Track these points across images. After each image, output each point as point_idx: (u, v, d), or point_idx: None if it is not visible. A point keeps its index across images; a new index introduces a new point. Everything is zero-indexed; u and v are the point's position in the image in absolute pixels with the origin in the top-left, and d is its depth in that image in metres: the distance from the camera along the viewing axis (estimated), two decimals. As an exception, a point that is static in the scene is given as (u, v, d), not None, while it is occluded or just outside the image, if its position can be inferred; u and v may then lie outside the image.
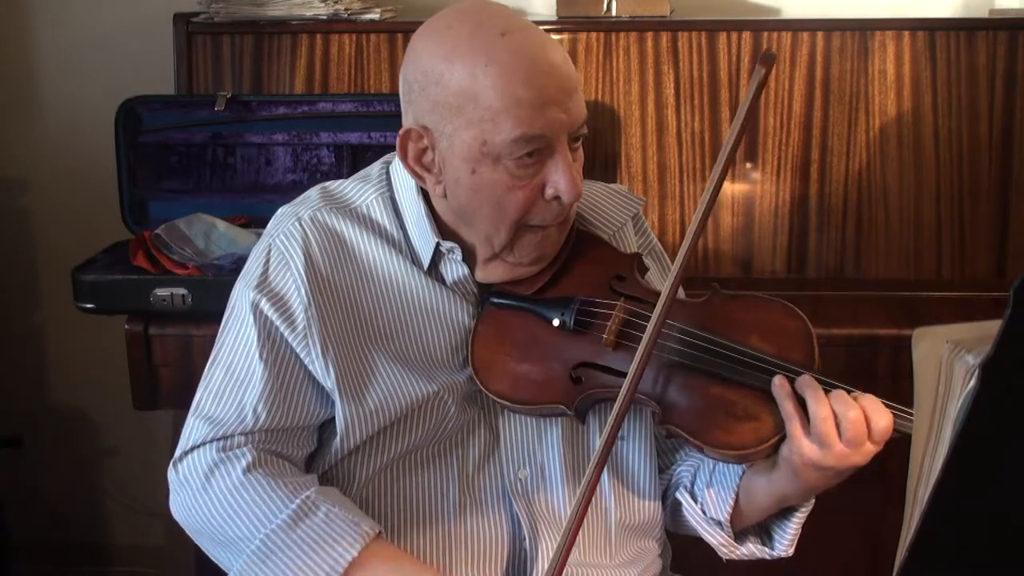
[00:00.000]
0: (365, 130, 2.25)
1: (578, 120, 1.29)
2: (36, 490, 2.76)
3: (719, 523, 1.38)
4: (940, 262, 2.20)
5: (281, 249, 1.34)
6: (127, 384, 2.07)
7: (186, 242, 2.13)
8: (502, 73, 1.23)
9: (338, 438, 1.33)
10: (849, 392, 1.23)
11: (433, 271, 1.37)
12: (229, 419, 1.31)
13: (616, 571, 1.39)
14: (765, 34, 2.22)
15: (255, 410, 1.31)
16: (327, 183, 1.43)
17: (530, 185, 1.28)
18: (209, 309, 1.97)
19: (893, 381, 1.99)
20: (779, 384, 1.24)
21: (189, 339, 2.04)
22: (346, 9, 2.29)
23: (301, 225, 1.35)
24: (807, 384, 1.23)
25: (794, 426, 1.22)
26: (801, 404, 1.23)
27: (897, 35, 2.19)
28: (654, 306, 1.29)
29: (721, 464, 1.38)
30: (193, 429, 1.33)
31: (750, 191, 2.22)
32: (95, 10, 2.56)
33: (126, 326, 2.05)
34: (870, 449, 1.21)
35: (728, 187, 2.22)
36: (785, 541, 1.37)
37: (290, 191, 2.21)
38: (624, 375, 1.30)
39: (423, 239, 1.36)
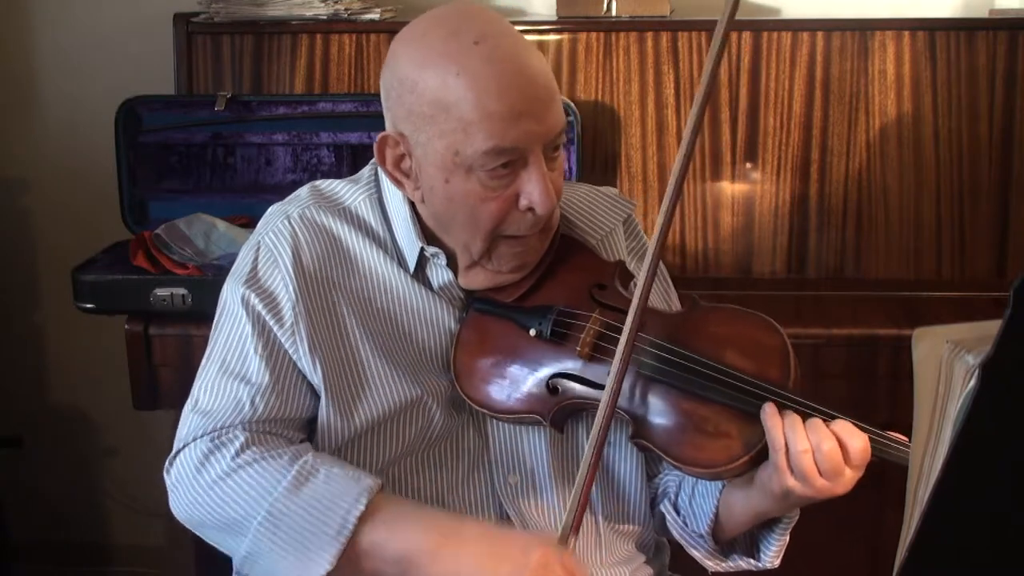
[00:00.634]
0: (365, 130, 2.25)
1: (554, 131, 1.26)
2: (36, 490, 2.76)
3: (702, 537, 1.38)
4: (940, 262, 2.20)
5: (270, 246, 1.34)
6: (127, 384, 2.07)
7: (186, 242, 2.13)
8: (473, 84, 1.21)
9: (320, 436, 1.32)
10: (826, 420, 1.21)
11: (419, 275, 1.37)
12: (225, 411, 1.30)
13: (608, 570, 1.39)
14: (765, 34, 2.22)
15: (252, 401, 1.29)
16: (318, 182, 1.43)
17: (503, 196, 1.26)
18: (209, 309, 1.95)
19: (893, 381, 1.99)
20: (769, 412, 1.21)
21: (189, 339, 2.04)
22: (346, 9, 2.29)
23: (290, 223, 1.35)
24: (787, 415, 1.21)
25: (780, 458, 1.20)
26: None
27: (897, 35, 2.19)
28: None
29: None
30: (189, 423, 1.32)
31: (750, 191, 2.22)
32: (95, 10, 2.56)
33: (126, 326, 2.05)
34: (851, 476, 1.20)
35: (728, 187, 2.23)
36: (771, 552, 1.37)
37: (290, 191, 2.19)
38: (599, 386, 1.29)
39: (408, 243, 1.35)
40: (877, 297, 2.15)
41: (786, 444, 1.20)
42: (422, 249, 1.34)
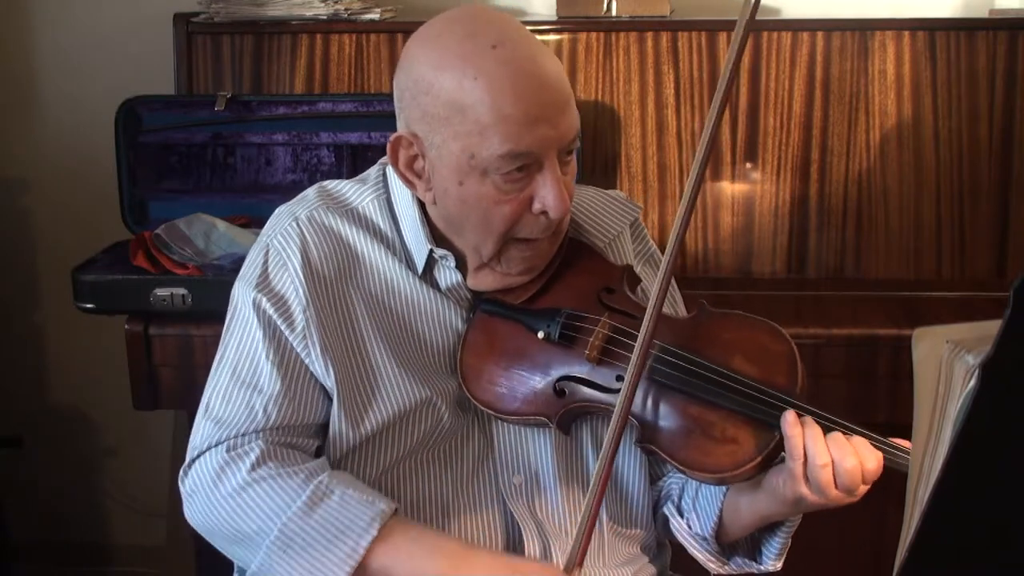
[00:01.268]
0: (365, 130, 2.25)
1: (568, 135, 1.27)
2: (36, 490, 2.76)
3: (704, 539, 1.38)
4: (940, 262, 2.20)
5: (279, 249, 1.34)
6: (127, 384, 2.07)
7: (186, 242, 2.13)
8: (490, 87, 1.21)
9: (331, 439, 1.32)
10: (846, 435, 1.21)
11: (427, 276, 1.37)
12: (238, 419, 1.30)
13: (611, 571, 1.39)
14: (765, 34, 2.22)
15: (265, 409, 1.29)
16: (325, 182, 1.43)
17: (517, 199, 1.27)
18: (209, 309, 1.98)
19: (893, 381, 1.99)
20: (790, 421, 1.22)
21: (189, 339, 2.04)
22: (346, 9, 2.29)
23: (298, 225, 1.35)
24: (807, 425, 1.21)
25: (797, 467, 1.20)
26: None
27: (897, 35, 2.19)
28: (639, 321, 1.28)
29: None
30: (202, 431, 1.32)
31: (750, 191, 2.22)
32: (95, 10, 2.56)
33: (126, 326, 2.05)
34: (863, 490, 1.21)
35: (728, 187, 2.23)
36: (772, 555, 1.37)
37: (290, 191, 2.20)
38: (607, 390, 1.30)
39: (417, 244, 1.35)
40: (877, 297, 2.15)
41: (805, 455, 1.20)
42: (431, 251, 1.34)
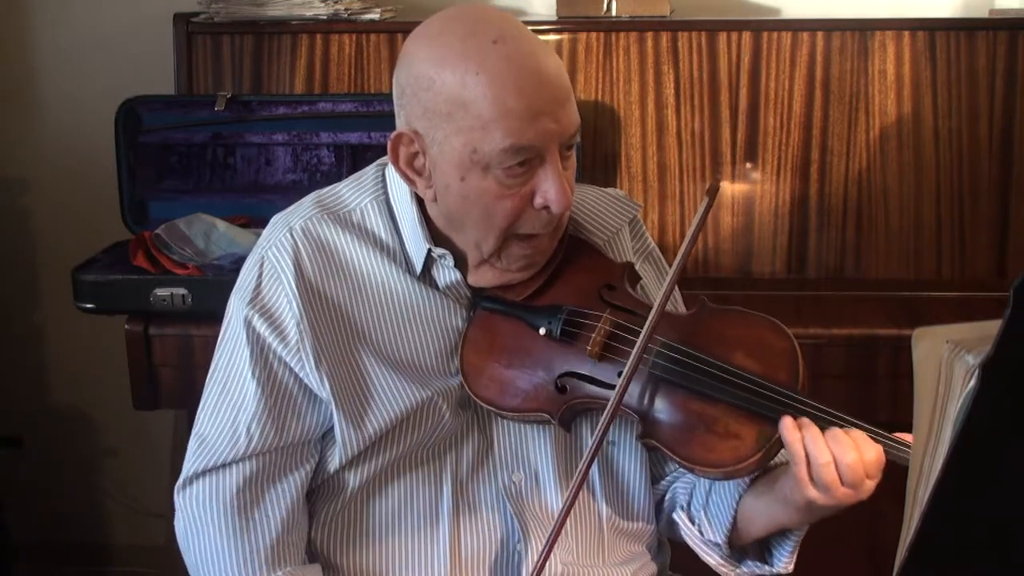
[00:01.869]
0: (365, 130, 2.25)
1: (570, 130, 1.27)
2: (36, 490, 2.76)
3: (717, 545, 1.38)
4: (940, 262, 2.20)
5: (273, 262, 1.35)
6: (127, 384, 2.07)
7: (186, 242, 2.13)
8: (492, 82, 1.22)
9: (337, 448, 1.33)
10: (841, 426, 1.22)
11: (426, 276, 1.37)
12: (222, 441, 1.34)
13: (610, 570, 1.39)
14: (765, 34, 2.22)
15: (248, 429, 1.32)
16: (322, 190, 1.43)
17: (519, 194, 1.27)
18: (209, 309, 1.97)
19: (893, 381, 1.99)
20: (788, 426, 1.22)
21: (189, 339, 2.05)
22: (346, 9, 2.29)
23: (292, 236, 1.35)
24: (805, 427, 1.22)
25: (801, 470, 1.20)
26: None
27: (897, 35, 2.19)
28: (641, 318, 1.28)
29: (717, 485, 1.38)
30: (190, 450, 1.37)
31: (750, 191, 2.22)
32: (95, 10, 2.56)
33: (126, 326, 2.05)
34: (870, 485, 1.21)
35: (728, 187, 2.23)
36: (784, 558, 1.37)
37: (290, 191, 2.21)
38: (608, 386, 1.30)
39: (416, 244, 1.35)
40: (877, 297, 2.15)
41: (807, 456, 1.20)
42: (429, 250, 1.34)
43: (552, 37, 2.25)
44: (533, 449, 1.38)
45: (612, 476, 1.41)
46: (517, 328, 1.36)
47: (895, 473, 1.17)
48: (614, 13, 2.29)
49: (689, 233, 1.31)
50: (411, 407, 1.33)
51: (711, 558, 1.39)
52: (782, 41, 2.21)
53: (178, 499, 1.38)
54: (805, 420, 1.23)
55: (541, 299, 1.37)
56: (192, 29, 2.30)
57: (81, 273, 2.06)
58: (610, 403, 1.25)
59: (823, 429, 1.22)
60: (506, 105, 1.22)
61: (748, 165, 2.22)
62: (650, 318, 1.26)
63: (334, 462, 1.34)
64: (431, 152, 1.28)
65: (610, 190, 1.52)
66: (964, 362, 0.72)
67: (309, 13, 2.29)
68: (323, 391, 1.32)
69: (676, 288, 1.51)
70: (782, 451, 1.38)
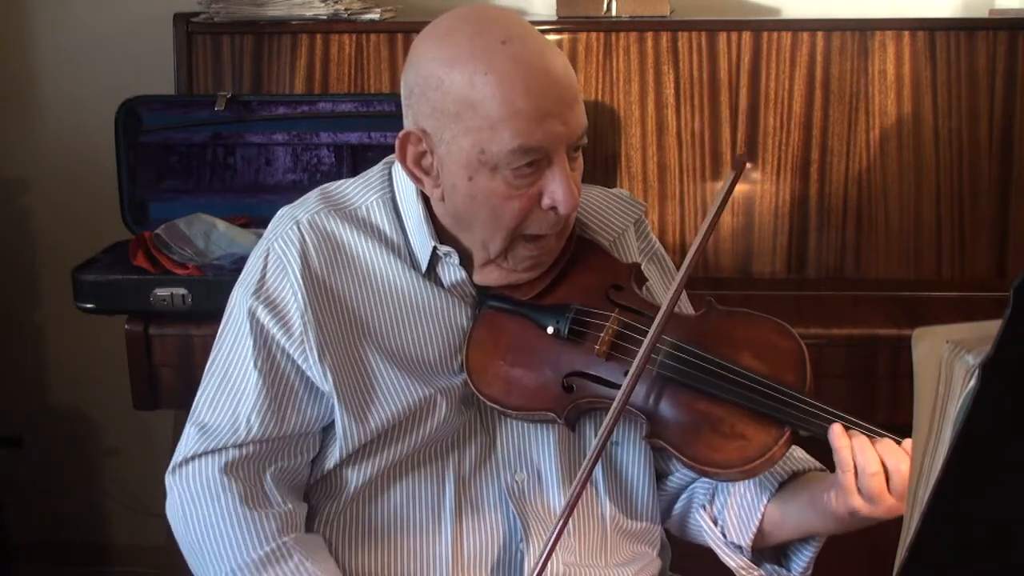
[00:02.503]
0: (365, 130, 2.25)
1: (577, 131, 1.28)
2: (36, 490, 2.76)
3: (739, 548, 1.38)
4: (940, 262, 2.20)
5: (279, 254, 1.35)
6: (127, 384, 2.07)
7: (186, 242, 2.13)
8: (501, 82, 1.22)
9: (338, 442, 1.33)
10: (871, 437, 1.21)
11: (431, 274, 1.37)
12: (222, 429, 1.33)
13: (612, 571, 1.39)
14: (765, 34, 2.22)
15: (248, 419, 1.32)
16: (328, 185, 1.43)
17: (527, 195, 1.27)
18: (209, 309, 1.97)
19: (893, 381, 1.99)
20: (837, 433, 1.21)
21: (189, 339, 2.05)
22: (346, 9, 2.29)
23: (299, 229, 1.35)
24: (854, 436, 1.21)
25: (848, 478, 1.20)
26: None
27: (897, 35, 2.19)
28: (648, 318, 1.28)
29: (741, 486, 1.37)
30: (188, 436, 1.35)
31: (750, 191, 2.22)
32: (95, 10, 2.56)
33: (126, 326, 2.05)
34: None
35: (728, 187, 2.22)
36: (803, 563, 1.37)
37: (290, 191, 2.21)
38: (615, 386, 1.30)
39: (421, 242, 1.36)
40: (877, 297, 2.15)
41: (855, 465, 1.19)
42: (435, 248, 1.34)
43: (552, 37, 2.25)
44: (536, 448, 1.38)
45: (616, 476, 1.41)
46: (524, 327, 1.36)
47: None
48: (614, 13, 2.29)
49: (711, 211, 1.29)
50: (413, 403, 1.33)
51: (732, 560, 1.39)
52: (782, 41, 2.21)
53: (172, 479, 1.36)
54: (854, 431, 1.22)
55: (548, 298, 1.38)
56: (192, 29, 2.30)
57: (81, 273, 2.06)
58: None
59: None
60: (514, 106, 1.22)
61: (748, 165, 2.22)
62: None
63: (334, 457, 1.34)
64: (439, 151, 1.28)
65: (615, 190, 1.53)
66: (964, 362, 0.72)
67: (309, 13, 2.29)
68: (325, 384, 1.32)
69: (684, 292, 1.51)
70: (803, 456, 1.39)
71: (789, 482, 1.37)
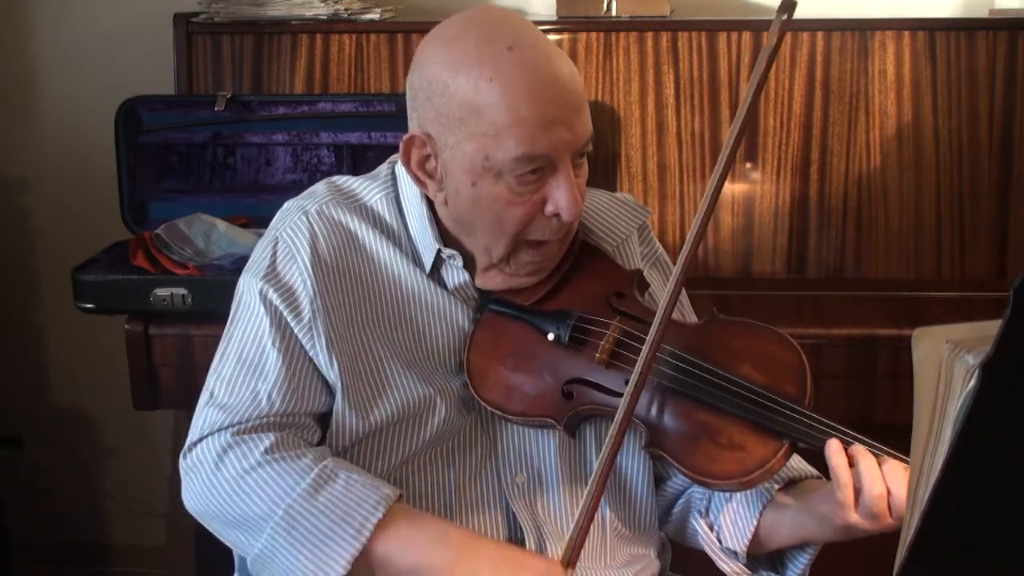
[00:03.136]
0: (365, 130, 2.25)
1: (583, 138, 1.27)
2: (36, 490, 2.76)
3: (735, 553, 1.38)
4: (940, 262, 2.20)
5: (288, 242, 1.34)
6: (127, 384, 2.07)
7: (186, 242, 2.13)
8: (507, 89, 1.22)
9: (333, 432, 1.32)
10: (848, 443, 1.21)
11: (434, 275, 1.37)
12: (243, 405, 1.30)
13: (612, 572, 1.39)
14: (765, 34, 2.21)
15: (269, 396, 1.29)
16: (334, 177, 1.43)
17: (530, 201, 1.27)
18: (209, 309, 1.98)
19: (893, 381, 1.99)
20: (835, 450, 1.21)
21: (189, 339, 2.05)
22: (346, 9, 2.29)
23: (308, 219, 1.35)
24: (860, 454, 1.20)
25: (846, 495, 1.19)
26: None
27: (897, 35, 2.19)
28: (649, 325, 1.27)
29: (739, 494, 1.37)
30: (206, 416, 1.31)
31: (750, 191, 2.22)
32: (95, 10, 2.56)
33: (126, 326, 2.05)
34: None
35: (728, 187, 2.22)
36: (799, 570, 1.37)
37: (290, 191, 2.20)
38: (615, 394, 1.29)
39: (425, 244, 1.36)
40: (877, 297, 2.15)
41: (855, 483, 1.19)
42: (439, 251, 1.34)
43: (552, 37, 2.25)
44: (537, 452, 1.38)
45: (616, 482, 1.41)
46: (525, 332, 1.36)
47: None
48: (614, 13, 2.29)
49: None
50: (414, 400, 1.33)
51: (728, 566, 1.39)
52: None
53: (190, 457, 1.30)
54: (860, 448, 1.21)
55: (550, 304, 1.37)
56: (192, 29, 2.30)
57: (81, 273, 2.06)
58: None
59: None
60: (519, 113, 1.22)
61: (748, 165, 2.22)
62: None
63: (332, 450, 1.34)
64: (443, 156, 1.28)
65: (620, 195, 1.52)
66: (964, 362, 0.72)
67: (309, 13, 2.29)
68: (331, 373, 1.31)
69: (684, 293, 1.50)
70: (800, 464, 1.39)
71: (785, 489, 1.37)
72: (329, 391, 1.33)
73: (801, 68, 2.21)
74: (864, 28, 2.20)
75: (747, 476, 1.24)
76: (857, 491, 1.20)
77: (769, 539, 1.35)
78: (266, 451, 1.26)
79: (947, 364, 0.74)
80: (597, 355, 1.32)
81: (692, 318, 1.50)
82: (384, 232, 1.37)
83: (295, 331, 1.31)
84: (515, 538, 1.36)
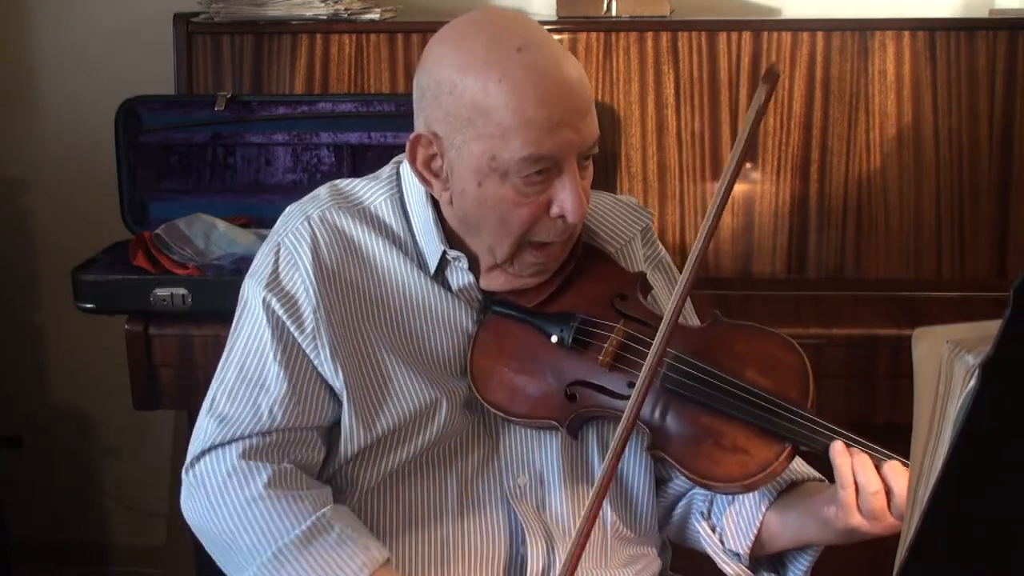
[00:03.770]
0: (365, 130, 2.25)
1: (589, 140, 1.27)
2: (36, 490, 2.76)
3: (737, 555, 1.38)
4: (940, 262, 2.20)
5: (290, 248, 1.34)
6: (127, 384, 2.07)
7: (186, 242, 2.13)
8: (514, 90, 1.22)
9: (343, 440, 1.33)
10: (877, 458, 1.21)
11: (439, 276, 1.37)
12: (244, 418, 1.30)
13: (613, 572, 1.39)
14: (765, 34, 2.22)
15: (271, 410, 1.30)
16: (338, 181, 1.43)
17: (536, 202, 1.27)
18: (209, 309, 1.98)
19: (893, 381, 1.99)
20: (839, 451, 1.21)
21: (189, 339, 2.05)
22: (346, 9, 2.29)
23: (310, 224, 1.35)
24: (855, 454, 1.21)
25: (848, 496, 1.20)
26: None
27: (897, 35, 2.19)
28: (652, 328, 1.28)
29: (741, 496, 1.37)
30: (206, 429, 1.32)
31: (750, 191, 2.22)
32: (95, 10, 2.56)
33: (126, 326, 2.05)
34: None
35: (728, 187, 2.22)
36: (800, 572, 1.37)
37: (290, 191, 2.21)
38: (618, 396, 1.30)
39: (430, 245, 1.36)
40: (877, 297, 2.15)
41: (856, 484, 1.20)
42: (444, 252, 1.34)
43: (558, 40, 2.25)
44: (539, 453, 1.38)
45: (618, 484, 1.41)
46: (528, 334, 1.36)
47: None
48: (614, 13, 2.29)
49: (743, 131, 1.27)
50: (421, 404, 1.33)
51: (730, 567, 1.39)
52: (782, 41, 2.21)
53: (192, 473, 1.32)
54: (856, 449, 1.22)
55: (553, 306, 1.37)
56: (192, 29, 2.30)
57: (81, 273, 2.06)
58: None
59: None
60: (527, 115, 1.22)
61: (748, 165, 2.22)
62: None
63: (339, 458, 1.34)
64: (449, 155, 1.28)
65: (623, 197, 1.52)
66: (964, 362, 0.72)
67: (309, 13, 2.29)
68: (336, 381, 1.31)
69: (687, 298, 1.50)
70: (802, 467, 1.39)
71: (788, 491, 1.37)
72: (335, 400, 1.33)
73: (801, 68, 2.21)
74: (864, 28, 2.20)
75: (749, 479, 1.24)
76: (858, 491, 1.20)
77: (771, 541, 1.35)
78: (267, 484, 1.27)
79: (947, 364, 0.74)
80: (600, 357, 1.32)
81: (694, 320, 1.50)
82: (387, 236, 1.37)
83: (299, 341, 1.31)
84: (517, 540, 1.36)
